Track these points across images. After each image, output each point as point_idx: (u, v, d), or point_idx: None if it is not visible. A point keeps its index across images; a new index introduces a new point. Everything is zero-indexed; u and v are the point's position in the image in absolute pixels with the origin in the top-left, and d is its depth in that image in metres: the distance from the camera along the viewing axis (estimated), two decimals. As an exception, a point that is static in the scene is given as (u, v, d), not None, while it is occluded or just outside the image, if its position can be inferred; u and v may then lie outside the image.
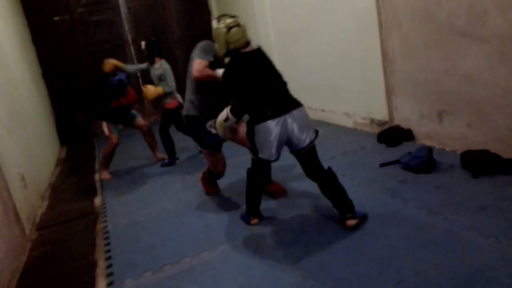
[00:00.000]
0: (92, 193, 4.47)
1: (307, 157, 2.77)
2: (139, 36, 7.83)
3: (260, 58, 2.77)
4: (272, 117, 2.61)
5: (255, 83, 2.69)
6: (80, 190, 4.68)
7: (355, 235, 2.65)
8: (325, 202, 3.12)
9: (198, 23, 8.55)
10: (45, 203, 4.42)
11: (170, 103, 4.86)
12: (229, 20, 2.71)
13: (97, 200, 4.19)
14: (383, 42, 4.28)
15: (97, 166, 5.61)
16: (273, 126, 2.62)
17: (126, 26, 8.05)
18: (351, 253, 2.46)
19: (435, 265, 2.19)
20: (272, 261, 2.53)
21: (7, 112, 4.12)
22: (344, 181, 3.48)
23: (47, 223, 3.84)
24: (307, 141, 2.70)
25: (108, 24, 7.96)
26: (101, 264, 2.89)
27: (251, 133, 2.73)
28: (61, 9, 7.62)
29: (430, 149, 3.49)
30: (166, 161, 5.04)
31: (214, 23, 2.78)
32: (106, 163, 4.88)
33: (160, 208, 3.68)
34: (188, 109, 3.28)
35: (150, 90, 4.69)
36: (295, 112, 2.66)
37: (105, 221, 3.62)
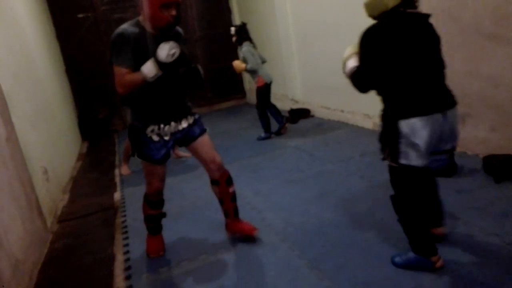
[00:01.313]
0: (112, 188, 4.55)
1: None
2: (161, 34, 7.92)
3: (427, 28, 2.07)
4: (422, 113, 2.01)
5: (411, 62, 2.02)
6: (100, 185, 4.77)
7: (373, 238, 2.63)
8: (341, 203, 3.10)
9: (218, 22, 8.61)
10: (66, 197, 4.52)
11: (257, 82, 5.42)
12: None
13: (117, 195, 4.26)
14: (405, 43, 4.22)
15: (117, 161, 5.70)
16: (423, 124, 2.00)
17: (148, 24, 8.14)
18: (368, 255, 2.45)
19: (454, 270, 2.16)
20: (288, 261, 2.54)
21: (32, 107, 4.22)
22: (362, 182, 3.48)
23: (67, 216, 3.92)
24: (448, 147, 2.18)
25: (130, 22, 8.07)
26: (120, 258, 2.94)
27: (390, 129, 2.08)
28: (85, 6, 7.77)
29: (451, 153, 3.43)
30: (262, 135, 5.56)
31: None
32: (127, 157, 4.95)
33: (178, 205, 3.71)
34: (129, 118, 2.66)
35: (237, 65, 5.35)
36: (450, 112, 2.07)
37: (124, 215, 3.68)
